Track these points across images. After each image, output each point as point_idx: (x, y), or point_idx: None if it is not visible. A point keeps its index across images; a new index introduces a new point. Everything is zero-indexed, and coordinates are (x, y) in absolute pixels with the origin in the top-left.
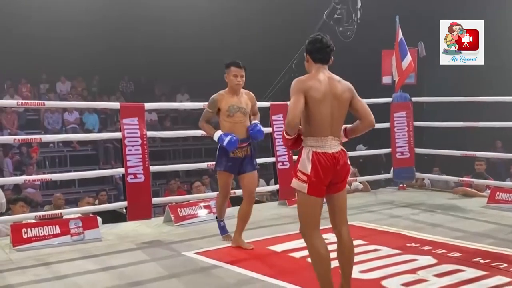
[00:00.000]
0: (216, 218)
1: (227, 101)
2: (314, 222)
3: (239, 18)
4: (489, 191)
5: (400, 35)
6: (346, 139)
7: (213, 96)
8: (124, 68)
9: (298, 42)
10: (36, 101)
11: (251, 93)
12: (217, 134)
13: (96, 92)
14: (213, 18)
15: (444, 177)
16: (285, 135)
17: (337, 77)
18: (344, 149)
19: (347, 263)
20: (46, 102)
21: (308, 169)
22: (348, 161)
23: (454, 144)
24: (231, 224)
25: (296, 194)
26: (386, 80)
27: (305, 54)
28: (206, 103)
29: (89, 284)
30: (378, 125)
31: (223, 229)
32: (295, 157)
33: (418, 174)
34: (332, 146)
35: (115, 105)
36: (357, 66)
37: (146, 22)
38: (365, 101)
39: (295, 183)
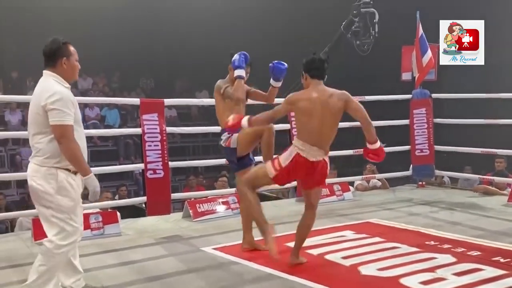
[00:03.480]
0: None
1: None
2: (256, 187)
3: (259, 17)
4: (510, 190)
5: (421, 31)
6: (375, 143)
7: (221, 81)
8: (144, 65)
9: (316, 43)
10: None
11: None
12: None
13: (117, 88)
14: (233, 16)
15: (464, 175)
16: (244, 122)
17: (330, 91)
18: (326, 160)
19: (299, 231)
20: None
21: (286, 163)
22: (327, 171)
23: (475, 141)
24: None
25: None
26: (405, 76)
27: (302, 72)
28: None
29: (109, 278)
30: (398, 122)
31: None
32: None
33: (438, 172)
34: (315, 155)
35: (136, 101)
36: (377, 62)
37: (166, 19)
38: (384, 97)
39: (269, 164)
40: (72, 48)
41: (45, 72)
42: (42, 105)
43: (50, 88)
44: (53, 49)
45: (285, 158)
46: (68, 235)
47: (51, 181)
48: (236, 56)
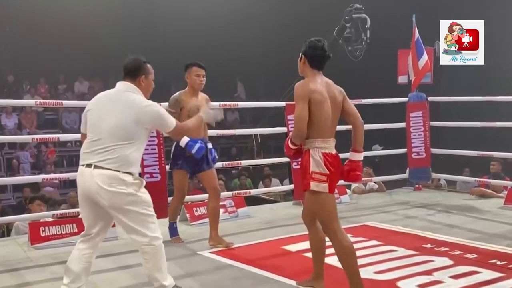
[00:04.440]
0: (169, 220)
1: (188, 102)
2: (336, 217)
3: (256, 19)
4: (506, 192)
5: (417, 34)
6: (361, 152)
7: (174, 95)
8: None
9: None
10: (55, 101)
11: (206, 95)
12: (184, 141)
13: None
14: (230, 19)
15: (460, 177)
16: (290, 145)
17: (331, 82)
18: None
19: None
20: (64, 102)
21: (325, 168)
22: None
23: (472, 143)
24: (248, 224)
25: (311, 196)
26: (402, 79)
27: (301, 54)
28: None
29: (105, 283)
30: (394, 125)
31: (174, 231)
32: None
33: (434, 175)
34: (333, 147)
35: None
36: (373, 65)
37: (163, 22)
38: (381, 100)
39: (314, 185)
40: (150, 67)
41: (125, 83)
42: (142, 120)
43: (143, 101)
44: (135, 66)
45: (318, 165)
46: (157, 227)
47: (128, 183)
48: (195, 146)
